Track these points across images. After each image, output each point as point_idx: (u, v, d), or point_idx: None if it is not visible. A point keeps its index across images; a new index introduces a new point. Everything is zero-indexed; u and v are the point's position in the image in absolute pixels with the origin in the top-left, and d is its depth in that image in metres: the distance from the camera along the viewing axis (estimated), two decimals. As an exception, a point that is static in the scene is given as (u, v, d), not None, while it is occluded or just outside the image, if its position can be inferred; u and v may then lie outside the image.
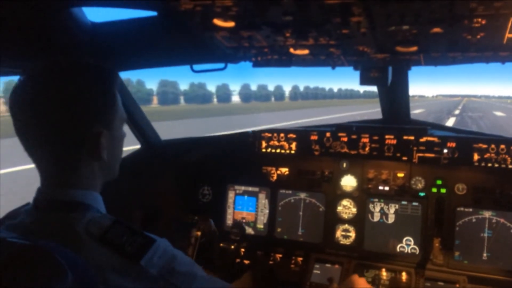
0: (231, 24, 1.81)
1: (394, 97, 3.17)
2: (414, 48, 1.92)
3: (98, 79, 1.42)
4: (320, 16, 1.65)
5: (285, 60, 2.24)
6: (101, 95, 1.41)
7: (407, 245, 3.11)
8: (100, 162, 1.42)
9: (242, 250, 3.18)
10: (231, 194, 3.60)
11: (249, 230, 3.49)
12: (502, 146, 2.83)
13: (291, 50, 2.09)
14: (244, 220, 3.53)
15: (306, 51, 2.09)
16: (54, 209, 1.34)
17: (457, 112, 46.22)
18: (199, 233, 2.50)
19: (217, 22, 1.81)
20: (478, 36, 1.69)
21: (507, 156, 2.82)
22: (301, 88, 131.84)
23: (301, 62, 2.28)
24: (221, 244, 2.91)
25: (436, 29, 1.66)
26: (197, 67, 2.53)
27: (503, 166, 2.83)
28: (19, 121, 1.35)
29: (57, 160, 1.37)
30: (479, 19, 1.54)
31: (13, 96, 1.35)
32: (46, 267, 1.08)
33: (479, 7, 1.44)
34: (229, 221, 3.57)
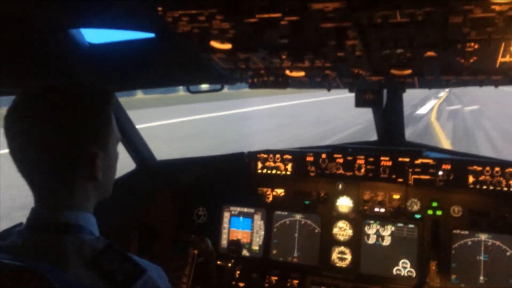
0: (228, 46, 1.84)
1: (389, 119, 3.20)
2: (409, 71, 1.94)
3: (94, 101, 1.42)
4: (316, 39, 1.68)
5: (281, 82, 2.26)
6: (97, 117, 1.41)
7: (404, 267, 3.08)
8: (95, 183, 1.42)
9: (238, 272, 3.14)
10: (226, 215, 3.58)
11: (244, 252, 3.45)
12: (497, 169, 2.85)
13: (287, 72, 2.11)
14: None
15: (302, 73, 2.11)
16: (47, 230, 1.32)
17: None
18: (196, 251, 2.48)
19: (214, 44, 1.83)
20: (471, 60, 1.72)
21: (502, 178, 2.83)
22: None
23: (297, 84, 2.31)
24: (219, 262, 2.88)
25: (430, 53, 1.69)
26: (193, 88, 2.55)
27: (498, 188, 2.84)
28: (14, 141, 1.34)
29: (51, 181, 1.36)
30: (472, 44, 1.57)
31: (9, 116, 1.34)
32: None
33: (472, 32, 1.47)
34: (224, 241, 3.54)
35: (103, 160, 1.40)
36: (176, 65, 2.29)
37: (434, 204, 3.07)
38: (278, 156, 3.38)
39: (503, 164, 2.87)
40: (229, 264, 2.85)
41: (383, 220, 3.18)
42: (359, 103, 2.38)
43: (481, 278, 2.90)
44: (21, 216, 1.40)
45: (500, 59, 1.70)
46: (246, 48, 1.86)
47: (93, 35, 2.39)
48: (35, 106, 1.34)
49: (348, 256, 3.23)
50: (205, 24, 1.62)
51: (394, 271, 3.10)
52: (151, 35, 2.07)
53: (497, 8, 1.29)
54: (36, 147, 1.31)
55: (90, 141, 1.37)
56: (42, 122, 1.31)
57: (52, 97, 1.35)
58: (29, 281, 1.08)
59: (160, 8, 1.53)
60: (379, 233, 3.18)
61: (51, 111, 1.32)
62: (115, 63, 2.28)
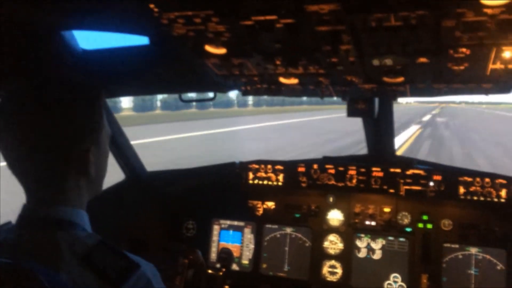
0: (222, 51, 1.84)
1: (380, 131, 3.22)
2: (401, 79, 1.97)
3: (84, 96, 1.41)
4: (311, 44, 1.69)
5: (274, 89, 2.27)
6: (88, 112, 1.39)
7: (395, 282, 3.06)
8: (87, 178, 1.40)
9: (226, 287, 3.08)
10: (216, 228, 3.54)
11: (234, 266, 3.41)
12: (487, 180, 2.87)
13: (281, 79, 2.12)
14: None
15: (295, 81, 2.12)
16: (39, 226, 1.29)
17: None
18: (186, 261, 2.43)
19: (209, 48, 1.83)
20: (463, 67, 1.75)
21: (492, 189, 2.86)
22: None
23: (290, 91, 2.32)
24: (209, 271, 2.84)
25: (422, 59, 1.71)
26: (186, 96, 2.55)
27: (488, 199, 2.86)
28: (4, 139, 1.32)
29: (43, 177, 1.33)
30: (464, 49, 1.60)
31: None
32: (28, 287, 1.05)
33: (464, 36, 1.49)
34: (213, 254, 3.49)
35: (95, 155, 1.39)
36: (170, 72, 2.29)
37: (425, 217, 3.08)
38: (269, 166, 3.37)
39: (493, 175, 2.90)
40: (220, 273, 2.81)
41: (374, 233, 3.17)
42: (351, 112, 2.40)
43: None
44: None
45: (490, 66, 1.72)
46: (240, 53, 1.87)
47: (87, 41, 2.40)
48: (24, 103, 1.32)
49: (339, 270, 3.20)
50: (201, 27, 1.62)
51: (385, 286, 3.07)
52: (145, 41, 2.07)
53: (489, 11, 1.32)
54: (27, 143, 1.29)
55: (82, 136, 1.35)
56: (32, 118, 1.29)
57: (41, 93, 1.34)
58: (19, 279, 1.06)
59: (156, 10, 1.54)
60: (370, 247, 3.17)
61: (41, 107, 1.31)
62: (108, 70, 2.28)
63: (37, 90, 1.35)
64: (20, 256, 1.17)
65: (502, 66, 1.70)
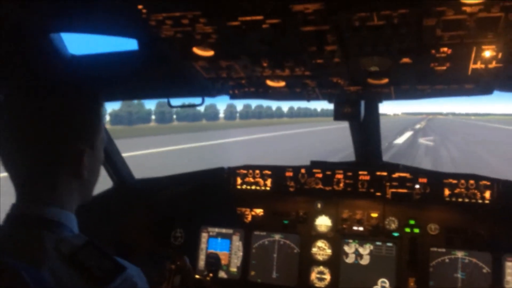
0: (210, 53, 1.87)
1: (366, 135, 3.25)
2: (385, 80, 2.01)
3: (84, 97, 1.43)
4: (297, 45, 1.72)
5: (262, 93, 2.30)
6: (87, 114, 1.41)
7: (383, 287, 3.07)
8: (79, 181, 1.40)
9: None
10: (204, 235, 3.52)
11: (222, 274, 3.39)
12: (471, 182, 2.92)
13: (268, 82, 2.15)
14: None
15: (282, 83, 2.15)
16: (27, 225, 1.29)
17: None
18: (173, 267, 2.41)
19: (197, 51, 1.86)
20: (445, 67, 1.79)
21: (476, 191, 2.90)
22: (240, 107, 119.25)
23: (277, 94, 2.35)
24: (197, 276, 2.82)
25: (406, 59, 1.76)
26: (174, 101, 2.56)
27: (473, 201, 2.91)
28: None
29: (36, 177, 1.33)
30: (445, 49, 1.64)
31: None
32: (11, 285, 1.05)
33: (445, 35, 1.54)
34: (202, 262, 3.47)
35: (89, 159, 1.39)
36: (159, 77, 2.30)
37: (412, 222, 3.11)
38: (257, 171, 3.38)
39: (477, 177, 2.95)
40: (207, 278, 2.79)
41: (361, 238, 3.19)
42: (338, 116, 2.43)
43: None
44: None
45: (471, 66, 1.77)
46: (228, 55, 1.89)
47: (76, 47, 2.40)
48: (22, 101, 1.33)
49: (327, 276, 3.20)
50: (188, 28, 1.64)
51: None
52: (133, 47, 2.09)
53: (467, 9, 1.36)
54: (22, 142, 1.31)
55: (78, 137, 1.36)
56: (29, 117, 1.31)
57: (40, 92, 1.36)
58: (2, 277, 1.05)
59: (144, 11, 1.56)
60: (358, 252, 3.18)
61: (39, 106, 1.32)
62: (97, 75, 2.28)
63: (33, 90, 1.37)
64: (3, 253, 1.17)
65: (483, 66, 1.75)
